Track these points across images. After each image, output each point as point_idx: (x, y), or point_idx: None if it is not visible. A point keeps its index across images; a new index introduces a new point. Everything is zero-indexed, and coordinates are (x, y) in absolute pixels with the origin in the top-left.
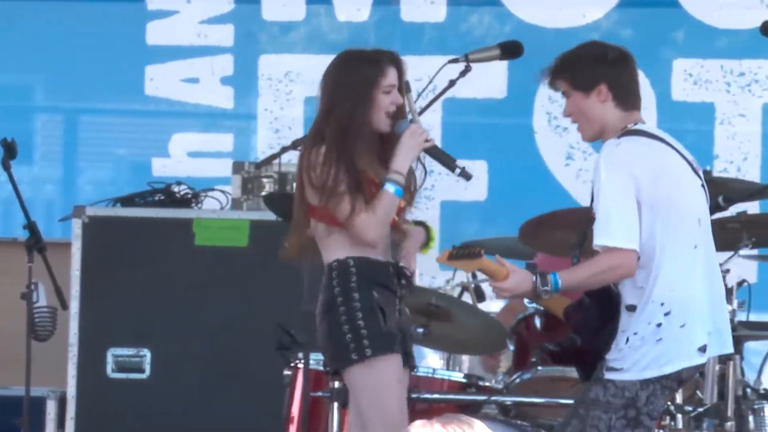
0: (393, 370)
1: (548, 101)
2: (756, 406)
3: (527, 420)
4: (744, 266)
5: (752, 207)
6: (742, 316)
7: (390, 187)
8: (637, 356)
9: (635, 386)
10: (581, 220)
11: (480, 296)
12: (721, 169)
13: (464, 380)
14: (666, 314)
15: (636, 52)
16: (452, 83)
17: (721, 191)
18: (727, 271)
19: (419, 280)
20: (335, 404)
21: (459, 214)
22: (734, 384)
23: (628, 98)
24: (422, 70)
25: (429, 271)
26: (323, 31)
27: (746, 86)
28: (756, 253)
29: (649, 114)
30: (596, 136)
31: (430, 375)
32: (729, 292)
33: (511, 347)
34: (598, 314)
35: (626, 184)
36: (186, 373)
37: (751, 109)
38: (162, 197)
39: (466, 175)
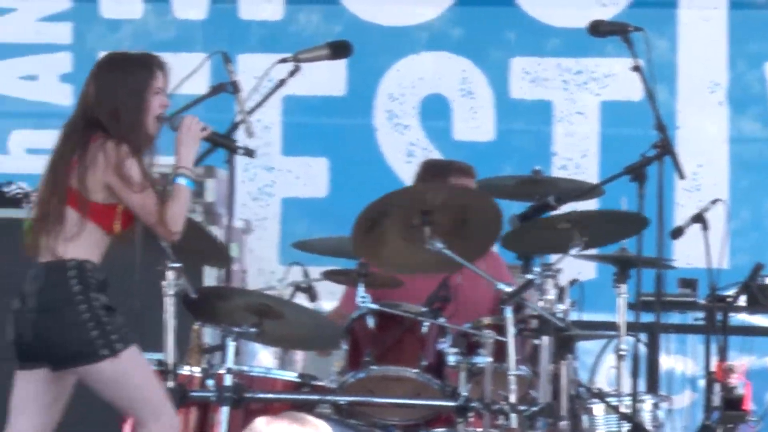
0: (139, 356)
1: (388, 99)
2: (589, 406)
3: (361, 419)
4: (583, 265)
5: (589, 206)
6: (574, 316)
7: (183, 180)
8: None
9: None
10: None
11: (313, 296)
12: (559, 166)
13: (298, 380)
14: None
15: (472, 51)
16: (282, 83)
17: (552, 191)
18: (559, 270)
19: (252, 279)
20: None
21: (299, 211)
22: (567, 383)
23: None
24: (257, 69)
25: (263, 269)
26: (152, 28)
27: (583, 84)
28: (596, 252)
29: (487, 112)
30: None
31: (264, 374)
32: (561, 291)
33: (345, 347)
34: None
35: None
36: None
37: (589, 107)
38: None
39: (249, 153)
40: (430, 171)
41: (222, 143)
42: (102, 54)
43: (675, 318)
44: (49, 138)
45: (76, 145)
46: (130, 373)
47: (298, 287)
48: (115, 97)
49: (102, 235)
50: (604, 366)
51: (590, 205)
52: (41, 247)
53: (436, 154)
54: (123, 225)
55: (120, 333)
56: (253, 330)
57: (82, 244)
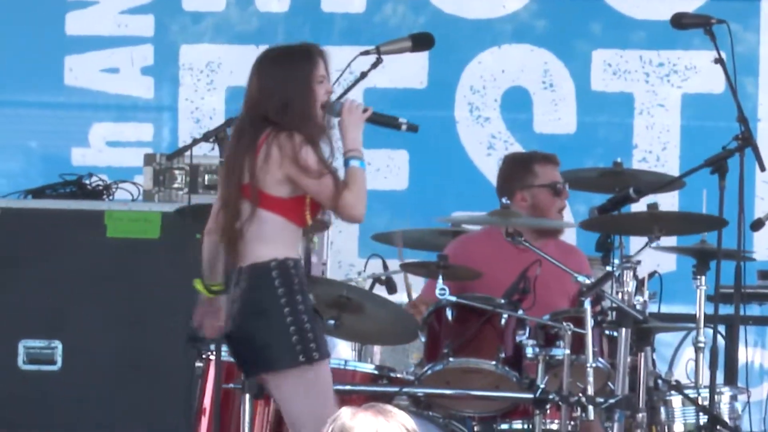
0: (329, 373)
1: (470, 91)
2: (667, 398)
3: (439, 411)
4: (663, 257)
5: (670, 198)
6: (653, 308)
7: (356, 163)
8: None
9: None
10: None
11: (391, 288)
12: (640, 158)
13: (375, 372)
14: None
15: (554, 43)
16: (364, 75)
17: (633, 183)
18: (638, 262)
19: (331, 271)
20: (246, 396)
21: (379, 204)
22: (645, 375)
23: None
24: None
25: (342, 262)
26: (234, 21)
27: (665, 76)
28: (676, 245)
29: (568, 104)
30: None
31: (341, 366)
32: (640, 283)
33: (423, 338)
34: None
35: None
36: (97, 365)
37: (670, 100)
38: (73, 189)
39: (413, 128)
40: (514, 164)
41: (385, 122)
42: (183, 47)
43: (754, 310)
44: (130, 130)
45: (249, 145)
46: (318, 386)
47: (377, 279)
48: (283, 90)
49: (295, 229)
50: (682, 358)
51: (671, 197)
52: (238, 252)
53: (517, 147)
54: (312, 214)
55: (318, 342)
56: (331, 322)
57: (279, 241)
